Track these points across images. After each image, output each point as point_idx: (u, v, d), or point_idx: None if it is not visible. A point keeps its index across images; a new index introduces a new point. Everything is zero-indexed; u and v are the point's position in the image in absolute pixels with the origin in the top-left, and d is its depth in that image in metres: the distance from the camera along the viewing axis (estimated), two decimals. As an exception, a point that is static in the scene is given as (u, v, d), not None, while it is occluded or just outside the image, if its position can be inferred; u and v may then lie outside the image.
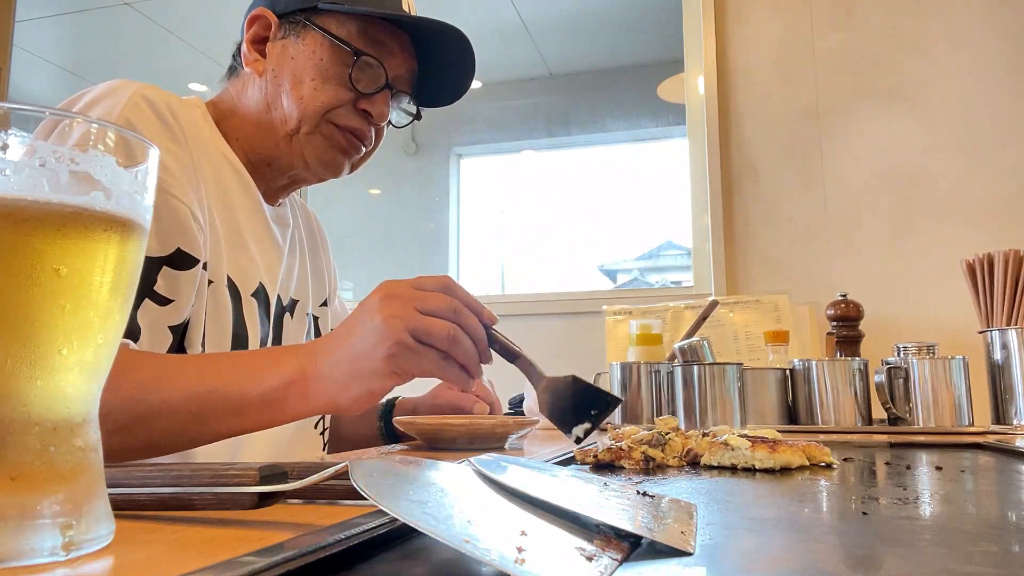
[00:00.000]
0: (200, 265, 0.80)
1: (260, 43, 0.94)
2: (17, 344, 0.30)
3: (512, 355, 0.69)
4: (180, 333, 0.79)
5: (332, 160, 0.94)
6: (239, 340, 0.87)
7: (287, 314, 1.00)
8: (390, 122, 0.97)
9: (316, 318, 1.09)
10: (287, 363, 0.69)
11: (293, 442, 0.99)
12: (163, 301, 0.76)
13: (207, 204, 0.84)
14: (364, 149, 0.97)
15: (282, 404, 0.68)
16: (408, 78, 0.97)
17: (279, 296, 0.98)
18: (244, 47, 0.94)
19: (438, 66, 0.97)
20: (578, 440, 0.64)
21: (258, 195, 0.95)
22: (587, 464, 0.71)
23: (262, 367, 0.69)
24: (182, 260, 0.78)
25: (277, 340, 0.97)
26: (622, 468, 0.69)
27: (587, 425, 0.63)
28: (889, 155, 2.03)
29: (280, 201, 1.02)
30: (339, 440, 1.12)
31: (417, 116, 1.01)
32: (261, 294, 0.93)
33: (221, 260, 0.85)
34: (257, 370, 0.69)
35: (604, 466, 0.70)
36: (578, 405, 0.64)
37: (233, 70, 0.98)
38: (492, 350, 0.70)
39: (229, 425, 0.70)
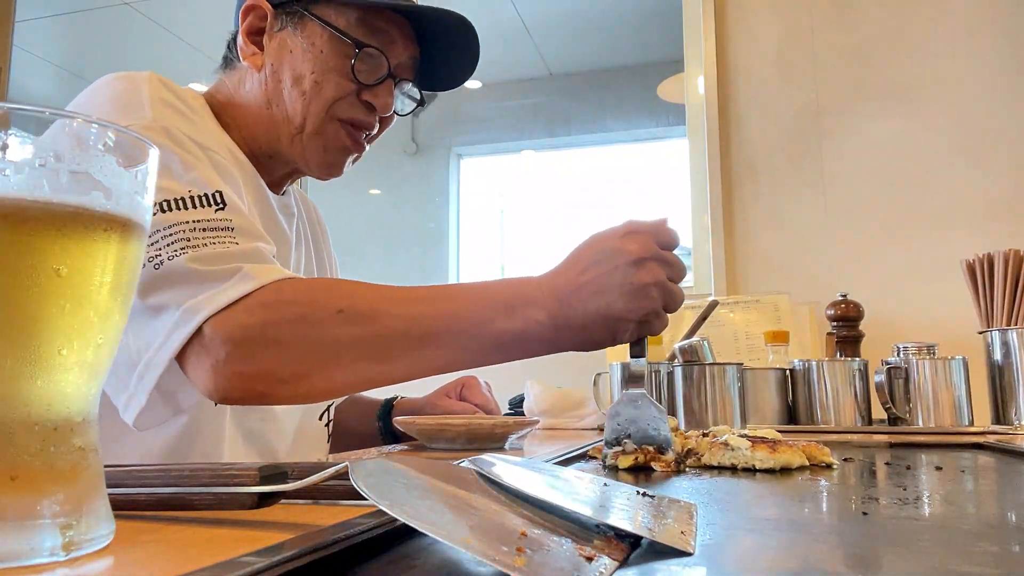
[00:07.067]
0: None
1: (256, 35, 0.92)
2: (17, 344, 0.30)
3: None
4: None
5: (333, 162, 0.93)
6: None
7: None
8: (395, 112, 0.96)
9: None
10: (535, 308, 0.69)
11: (298, 435, 0.98)
12: None
13: None
14: (367, 145, 0.95)
15: (523, 346, 0.71)
16: (410, 65, 0.94)
17: None
18: (240, 40, 0.92)
19: (440, 50, 0.95)
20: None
21: (264, 185, 0.94)
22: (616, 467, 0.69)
23: (507, 305, 0.70)
24: None
25: None
26: (653, 471, 0.67)
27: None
28: (889, 155, 2.02)
29: (284, 190, 1.01)
30: (338, 432, 1.11)
31: (421, 102, 0.99)
32: None
33: None
34: (503, 309, 0.70)
35: (639, 469, 0.68)
36: None
37: (229, 61, 0.96)
38: None
39: (453, 359, 0.71)
